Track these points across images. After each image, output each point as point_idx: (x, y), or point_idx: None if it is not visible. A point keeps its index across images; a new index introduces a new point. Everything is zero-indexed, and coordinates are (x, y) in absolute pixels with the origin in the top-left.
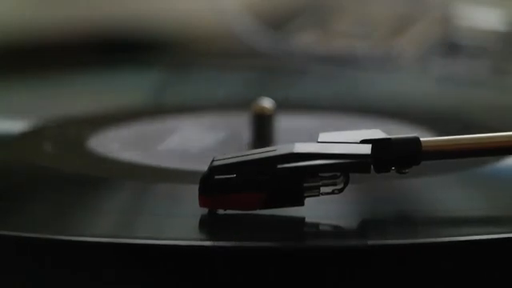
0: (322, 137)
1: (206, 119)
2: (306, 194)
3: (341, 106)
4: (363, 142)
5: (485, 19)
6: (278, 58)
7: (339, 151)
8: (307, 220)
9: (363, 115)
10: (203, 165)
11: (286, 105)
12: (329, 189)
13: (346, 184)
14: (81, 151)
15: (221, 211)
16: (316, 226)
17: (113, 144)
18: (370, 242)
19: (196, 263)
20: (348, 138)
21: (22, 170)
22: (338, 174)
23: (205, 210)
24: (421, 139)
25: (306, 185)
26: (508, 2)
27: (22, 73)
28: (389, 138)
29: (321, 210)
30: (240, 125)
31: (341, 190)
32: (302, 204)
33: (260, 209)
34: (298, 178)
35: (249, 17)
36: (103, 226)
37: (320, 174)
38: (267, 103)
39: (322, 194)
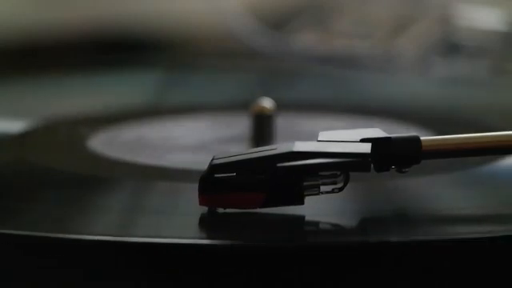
0: (322, 135)
1: (205, 119)
2: (305, 193)
3: (341, 106)
4: (363, 140)
5: (485, 19)
6: (277, 58)
7: (339, 150)
8: (307, 219)
9: (363, 115)
10: (203, 164)
11: (285, 105)
12: (329, 188)
13: (346, 183)
14: (81, 151)
15: (220, 210)
16: (316, 224)
17: (113, 144)
18: (371, 241)
19: (195, 262)
20: (348, 137)
21: (22, 169)
22: (338, 172)
23: (204, 209)
24: (421, 138)
25: (305, 184)
26: (508, 2)
27: (22, 73)
28: (389, 137)
29: (321, 208)
30: (240, 125)
31: (341, 189)
32: (302, 203)
33: (260, 208)
34: (297, 176)
35: (249, 17)
36: (103, 225)
37: (320, 173)
38: (267, 103)
39: (321, 192)
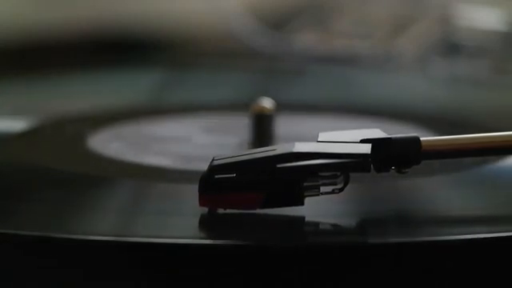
0: (322, 136)
1: (205, 119)
2: (305, 194)
3: (341, 106)
4: (363, 141)
5: (485, 19)
6: (277, 58)
7: (339, 151)
8: (307, 219)
9: (363, 115)
10: (203, 164)
11: (285, 105)
12: (329, 188)
13: (346, 183)
14: (80, 151)
15: (221, 211)
16: (316, 225)
17: (112, 144)
18: (370, 241)
19: (195, 262)
20: (348, 138)
21: (22, 169)
22: (338, 173)
23: (205, 210)
24: (421, 139)
25: (305, 184)
26: (508, 2)
27: (22, 73)
28: (389, 138)
29: (321, 209)
30: (240, 125)
31: (341, 190)
32: (302, 203)
33: (260, 208)
34: (297, 177)
35: (249, 17)
36: (103, 225)
37: (320, 174)
38: (267, 103)
39: (321, 193)
